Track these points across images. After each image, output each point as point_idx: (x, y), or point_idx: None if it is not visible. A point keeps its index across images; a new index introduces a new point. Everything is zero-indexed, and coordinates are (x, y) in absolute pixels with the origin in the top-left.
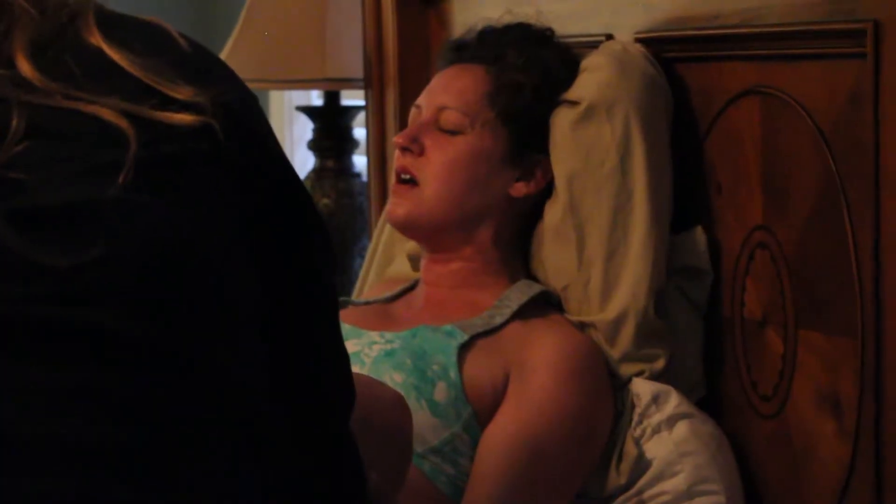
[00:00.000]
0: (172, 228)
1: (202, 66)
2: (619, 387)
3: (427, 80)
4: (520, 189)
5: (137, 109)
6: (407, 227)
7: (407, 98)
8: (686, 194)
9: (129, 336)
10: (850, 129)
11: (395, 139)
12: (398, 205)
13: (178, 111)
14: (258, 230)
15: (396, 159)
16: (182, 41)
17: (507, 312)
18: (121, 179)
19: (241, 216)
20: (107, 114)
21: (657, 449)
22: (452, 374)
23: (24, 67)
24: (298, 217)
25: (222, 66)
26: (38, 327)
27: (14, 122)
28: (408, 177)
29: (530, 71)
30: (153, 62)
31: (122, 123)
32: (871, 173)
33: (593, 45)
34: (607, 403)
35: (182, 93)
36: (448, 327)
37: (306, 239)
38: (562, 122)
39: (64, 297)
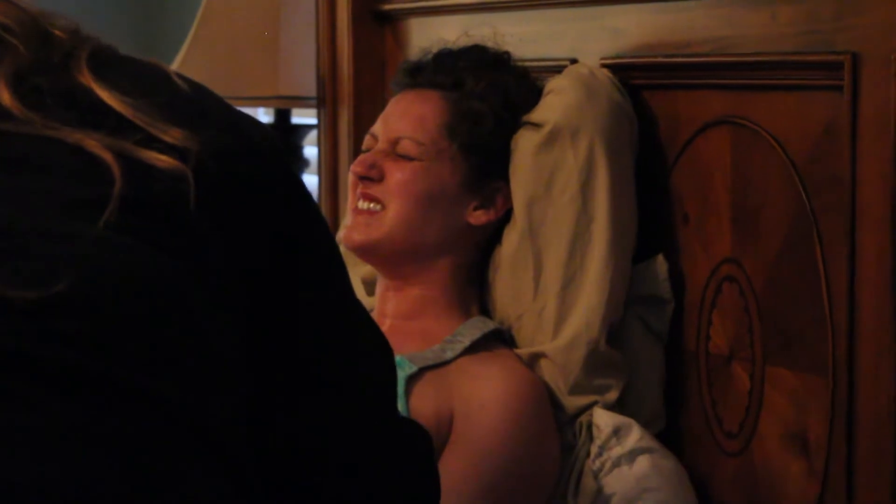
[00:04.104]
0: (146, 268)
1: (199, 109)
2: (570, 419)
3: (382, 100)
4: (479, 217)
5: (121, 146)
6: (365, 251)
7: (361, 117)
8: (652, 224)
9: (95, 374)
10: (825, 162)
11: (353, 168)
12: (355, 229)
13: (162, 152)
14: (247, 279)
15: (353, 186)
16: (181, 83)
17: (459, 348)
18: (104, 217)
19: (223, 262)
20: (91, 145)
21: (617, 484)
22: (399, 405)
23: (4, 96)
24: (297, 269)
25: (225, 110)
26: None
27: None
28: (367, 205)
29: (490, 98)
30: (144, 102)
31: (107, 157)
32: (846, 208)
33: (557, 70)
34: (552, 441)
35: (170, 135)
36: (398, 358)
37: (308, 285)
38: (524, 145)
39: (28, 332)
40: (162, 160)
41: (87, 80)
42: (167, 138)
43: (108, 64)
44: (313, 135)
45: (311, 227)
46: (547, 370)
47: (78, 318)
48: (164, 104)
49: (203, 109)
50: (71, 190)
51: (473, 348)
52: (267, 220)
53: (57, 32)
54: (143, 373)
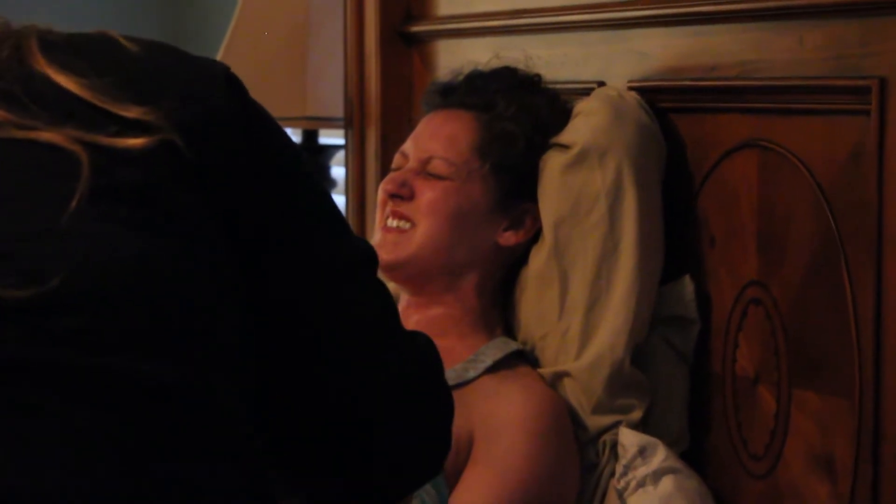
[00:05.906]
0: (131, 254)
1: (156, 80)
2: (592, 438)
3: (409, 121)
4: (509, 238)
5: (90, 136)
6: (393, 269)
7: (388, 138)
8: (678, 246)
9: (93, 370)
10: (852, 186)
11: (384, 185)
12: (383, 247)
13: (131, 135)
14: (240, 241)
15: (382, 204)
16: (133, 49)
17: (481, 367)
18: (80, 208)
19: (212, 231)
20: (61, 140)
21: (641, 503)
22: None
23: None
24: (289, 219)
25: (180, 71)
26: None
27: None
28: (396, 223)
29: (521, 120)
30: (101, 83)
31: (77, 149)
32: (873, 232)
33: (585, 92)
34: (574, 460)
35: (132, 112)
36: None
37: (302, 232)
38: (552, 166)
39: (23, 333)
40: (130, 142)
41: (44, 67)
42: (129, 115)
43: (58, 47)
44: (341, 155)
45: (281, 156)
46: (570, 389)
47: (72, 314)
48: (122, 81)
49: (160, 79)
50: (47, 187)
51: (495, 367)
52: (237, 174)
53: None
54: (143, 361)
